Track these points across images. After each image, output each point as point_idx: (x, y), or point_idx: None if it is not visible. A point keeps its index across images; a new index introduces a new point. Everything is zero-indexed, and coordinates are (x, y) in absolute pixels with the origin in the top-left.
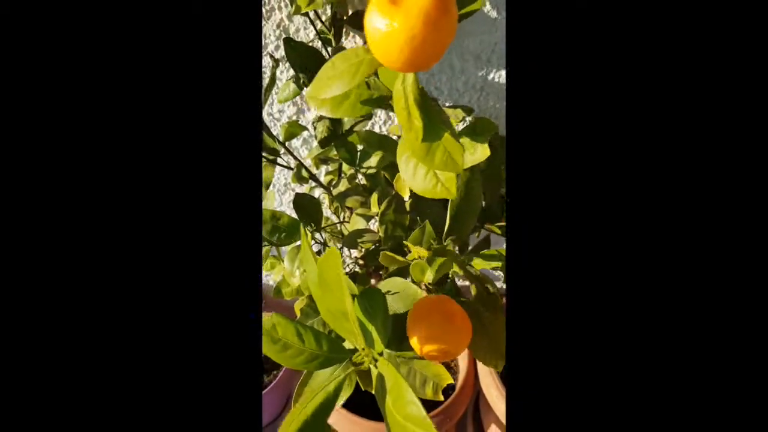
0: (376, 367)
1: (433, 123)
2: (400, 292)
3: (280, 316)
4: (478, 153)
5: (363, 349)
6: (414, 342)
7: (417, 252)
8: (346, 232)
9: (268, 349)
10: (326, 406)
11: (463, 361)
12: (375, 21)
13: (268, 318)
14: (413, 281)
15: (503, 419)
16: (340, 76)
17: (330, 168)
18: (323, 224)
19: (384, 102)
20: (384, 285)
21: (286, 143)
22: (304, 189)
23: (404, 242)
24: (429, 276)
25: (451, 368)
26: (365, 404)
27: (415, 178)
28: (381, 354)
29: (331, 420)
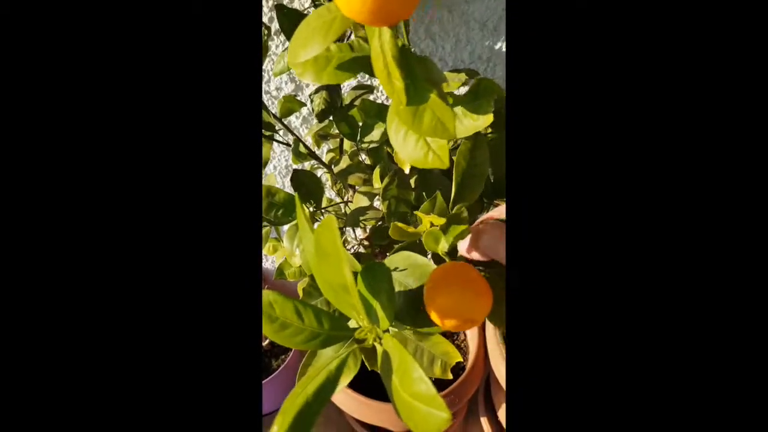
0: (380, 344)
1: (417, 84)
2: (408, 267)
3: (276, 293)
4: (480, 119)
5: (366, 325)
6: (434, 313)
7: (430, 220)
8: (348, 212)
9: (265, 328)
10: (328, 386)
11: (472, 342)
12: None
13: (264, 294)
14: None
15: None
16: (314, 35)
17: (330, 146)
18: (325, 204)
19: (368, 65)
20: (390, 261)
21: (284, 120)
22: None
23: (415, 212)
24: (443, 245)
25: (461, 348)
26: (374, 385)
27: (406, 146)
28: (386, 331)
29: (339, 401)
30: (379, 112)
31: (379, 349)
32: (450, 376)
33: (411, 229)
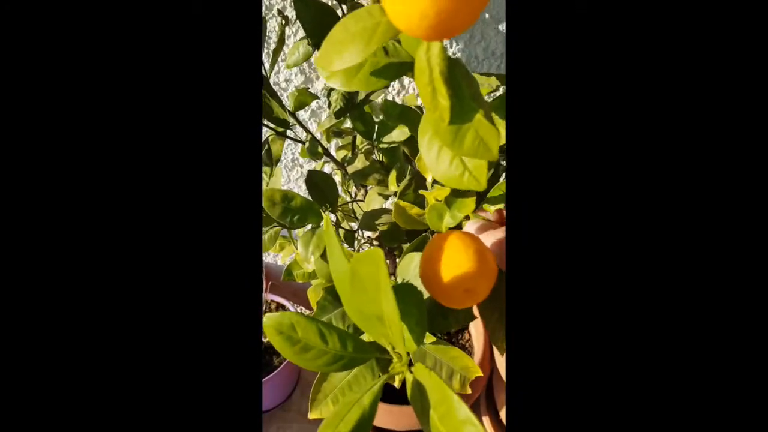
0: (410, 372)
1: (463, 102)
2: (413, 270)
3: (299, 315)
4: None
5: (399, 357)
6: (432, 288)
7: (435, 195)
8: (358, 210)
9: (285, 351)
10: (362, 426)
11: (477, 341)
12: None
13: (285, 316)
14: None
15: None
16: (353, 41)
17: (340, 142)
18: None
19: (406, 71)
20: (402, 267)
21: (296, 113)
22: (313, 165)
23: (420, 191)
24: (448, 220)
25: (465, 348)
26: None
27: (438, 163)
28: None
29: None
30: (402, 114)
31: (409, 377)
32: (469, 391)
33: (415, 210)
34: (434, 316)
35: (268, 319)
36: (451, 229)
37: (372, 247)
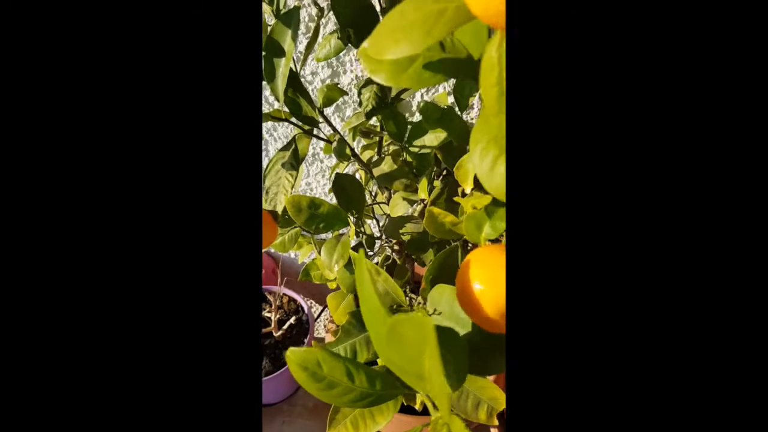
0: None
1: None
2: (446, 304)
3: (325, 352)
4: None
5: (440, 416)
6: (471, 309)
7: (473, 202)
8: (377, 211)
9: (309, 387)
10: None
11: None
12: None
13: (310, 353)
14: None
15: None
16: (410, 30)
17: (364, 142)
18: None
19: (464, 69)
20: (433, 298)
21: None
22: (334, 159)
23: (455, 198)
24: (488, 231)
25: None
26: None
27: (492, 175)
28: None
29: None
30: (441, 117)
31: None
32: (496, 423)
33: (450, 218)
34: (487, 355)
35: (293, 354)
36: (491, 242)
37: (396, 255)
